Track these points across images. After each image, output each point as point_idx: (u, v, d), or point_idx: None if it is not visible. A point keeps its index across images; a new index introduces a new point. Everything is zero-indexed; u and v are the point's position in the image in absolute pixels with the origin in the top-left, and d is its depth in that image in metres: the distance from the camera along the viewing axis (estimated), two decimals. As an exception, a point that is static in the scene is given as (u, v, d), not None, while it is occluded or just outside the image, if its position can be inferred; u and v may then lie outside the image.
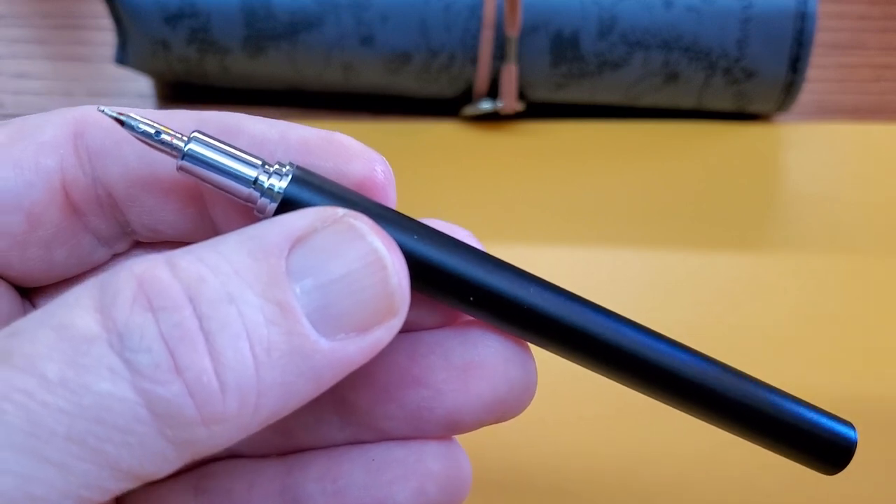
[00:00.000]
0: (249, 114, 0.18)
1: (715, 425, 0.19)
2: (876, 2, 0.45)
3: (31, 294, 0.19)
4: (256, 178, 0.16)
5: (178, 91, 0.40)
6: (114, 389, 0.13)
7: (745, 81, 0.37)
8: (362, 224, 0.15)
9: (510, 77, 0.37)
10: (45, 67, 0.42)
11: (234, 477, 0.19)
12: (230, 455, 0.20)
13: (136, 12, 0.36)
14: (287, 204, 0.16)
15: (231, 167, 0.16)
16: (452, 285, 0.17)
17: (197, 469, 0.19)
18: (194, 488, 0.19)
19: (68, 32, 0.43)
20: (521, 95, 0.38)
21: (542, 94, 0.38)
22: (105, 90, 0.41)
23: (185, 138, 0.16)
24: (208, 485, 0.19)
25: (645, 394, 0.18)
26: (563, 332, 0.17)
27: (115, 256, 0.19)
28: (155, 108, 0.17)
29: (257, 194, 0.16)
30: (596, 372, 0.18)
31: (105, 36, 0.43)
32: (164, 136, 0.16)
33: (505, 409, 0.18)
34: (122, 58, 0.38)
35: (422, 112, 0.39)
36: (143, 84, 0.41)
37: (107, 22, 0.42)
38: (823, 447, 0.19)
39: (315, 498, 0.18)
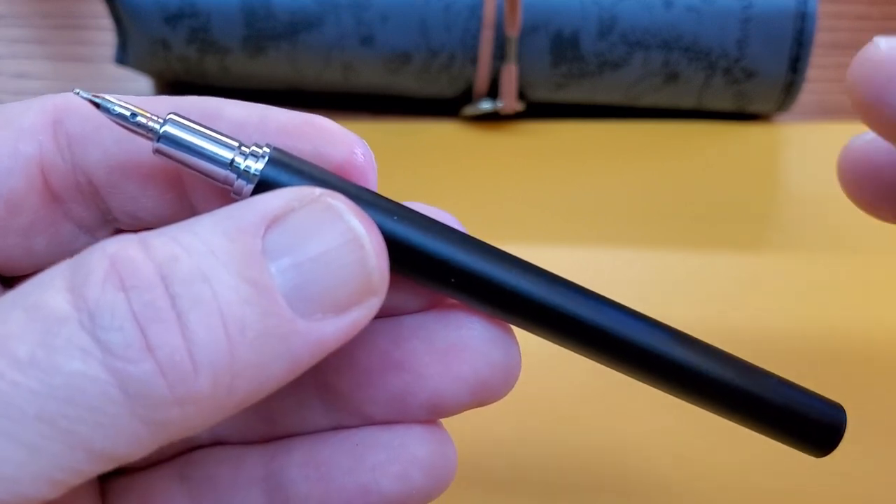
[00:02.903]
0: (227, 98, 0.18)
1: (701, 406, 0.18)
2: (876, 2, 0.45)
3: (12, 283, 0.19)
4: (233, 160, 0.16)
5: (177, 91, 0.40)
6: (85, 369, 0.13)
7: (745, 81, 0.37)
8: (340, 203, 0.15)
9: (510, 77, 0.37)
10: (45, 67, 0.42)
11: (218, 463, 0.19)
12: (214, 442, 0.20)
13: (136, 12, 0.36)
14: (264, 186, 0.16)
15: (207, 149, 0.16)
16: (433, 267, 0.17)
17: (181, 456, 0.19)
18: (179, 475, 0.19)
19: (68, 32, 0.43)
20: (521, 95, 0.38)
21: (542, 94, 0.38)
22: (105, 90, 0.40)
23: (160, 120, 0.16)
24: (193, 472, 0.19)
25: (631, 376, 0.18)
26: (545, 313, 0.17)
27: None
28: (133, 96, 0.17)
29: (234, 176, 0.16)
30: (580, 353, 0.18)
31: (105, 36, 0.43)
32: (139, 119, 0.16)
33: (488, 391, 0.18)
34: (122, 58, 0.38)
35: (422, 112, 0.40)
36: (143, 84, 0.41)
37: (107, 22, 0.42)
38: (812, 429, 0.19)
39: (299, 483, 0.18)
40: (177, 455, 0.19)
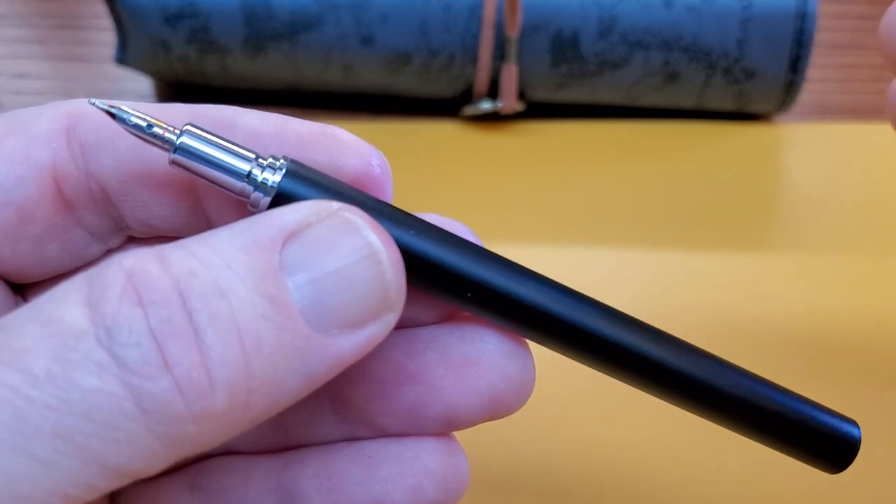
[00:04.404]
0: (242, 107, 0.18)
1: (717, 423, 0.18)
2: (876, 2, 0.45)
3: (23, 290, 0.19)
4: (250, 172, 0.16)
5: (178, 91, 0.40)
6: (101, 385, 0.13)
7: (745, 81, 0.37)
8: (357, 218, 0.15)
9: (510, 77, 0.37)
10: (45, 67, 0.42)
11: (229, 473, 0.19)
12: (226, 451, 0.19)
13: (136, 12, 0.36)
14: (281, 198, 0.16)
15: (224, 161, 0.16)
16: (450, 281, 0.17)
17: (192, 465, 0.19)
18: (189, 485, 0.19)
19: (68, 32, 0.43)
20: (521, 95, 0.38)
21: (542, 94, 0.38)
22: (105, 90, 0.41)
23: (177, 131, 0.16)
24: (204, 481, 0.19)
25: (646, 391, 0.18)
26: (562, 328, 0.17)
27: (109, 252, 0.19)
28: (147, 103, 0.17)
29: (251, 188, 0.16)
30: (596, 369, 0.18)
31: (105, 36, 0.43)
32: (156, 130, 0.16)
33: (503, 405, 0.18)
34: (122, 58, 0.38)
35: (422, 112, 0.39)
36: (143, 84, 0.41)
37: (107, 22, 0.42)
38: (827, 445, 0.19)
39: (311, 495, 0.18)
40: (187, 464, 0.19)
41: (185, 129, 0.16)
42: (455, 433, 0.19)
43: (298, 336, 0.14)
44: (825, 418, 0.19)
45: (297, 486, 0.18)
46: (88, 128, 0.17)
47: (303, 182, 0.16)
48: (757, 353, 0.31)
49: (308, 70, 0.38)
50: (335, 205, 0.15)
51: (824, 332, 0.31)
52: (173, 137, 0.16)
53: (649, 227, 0.35)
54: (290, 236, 0.14)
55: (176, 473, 0.19)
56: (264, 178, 0.16)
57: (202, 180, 0.16)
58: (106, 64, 0.41)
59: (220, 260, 0.14)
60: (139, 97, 0.41)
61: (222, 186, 0.16)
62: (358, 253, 0.15)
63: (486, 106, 0.38)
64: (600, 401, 0.29)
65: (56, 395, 0.13)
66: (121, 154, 0.17)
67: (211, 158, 0.16)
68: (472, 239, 0.18)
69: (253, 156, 0.16)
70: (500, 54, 0.37)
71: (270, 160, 0.16)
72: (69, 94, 0.40)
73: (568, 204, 0.36)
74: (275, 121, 0.18)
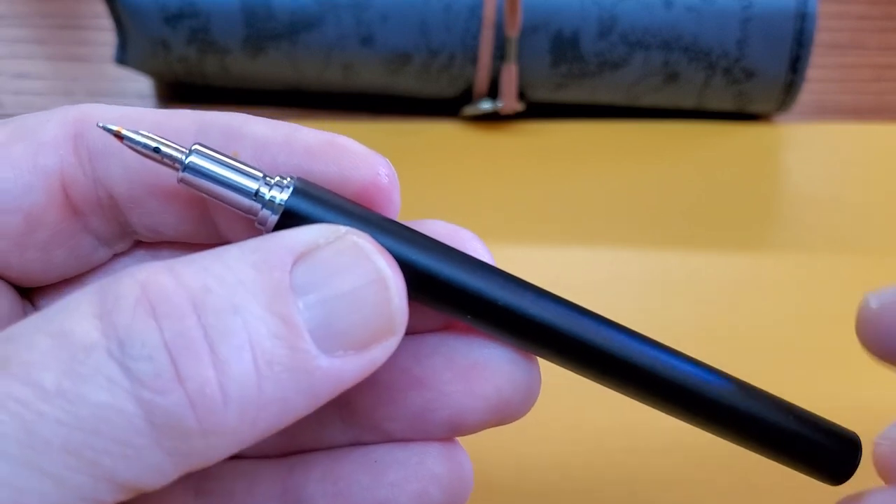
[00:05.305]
0: (249, 114, 0.18)
1: (718, 436, 0.19)
2: (876, 2, 0.45)
3: (31, 294, 0.19)
4: (257, 191, 0.16)
5: (178, 91, 0.40)
6: (112, 400, 0.13)
7: (745, 81, 0.37)
8: (366, 243, 0.15)
9: (510, 77, 0.37)
10: (45, 67, 0.42)
11: (235, 477, 0.19)
12: (231, 455, 0.20)
13: (136, 12, 0.36)
14: (288, 216, 0.16)
15: (232, 179, 0.16)
16: (452, 300, 0.17)
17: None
18: (195, 489, 0.19)
19: (68, 32, 0.43)
20: (521, 95, 0.38)
21: (542, 94, 0.38)
22: (105, 90, 0.41)
23: (185, 151, 0.16)
24: (209, 486, 0.19)
25: (650, 405, 0.18)
26: (566, 345, 0.17)
27: (116, 256, 0.19)
28: (155, 109, 0.17)
29: (258, 206, 0.16)
30: (601, 384, 0.18)
31: (105, 36, 0.43)
32: (163, 150, 0.16)
33: (508, 410, 0.18)
34: (122, 58, 0.38)
35: (422, 112, 0.39)
36: (143, 84, 0.41)
37: (107, 22, 0.42)
38: (827, 458, 0.19)
39: (316, 499, 0.18)
40: None
41: (193, 148, 0.16)
42: (459, 438, 0.19)
43: (307, 356, 0.14)
44: (825, 431, 0.19)
45: (303, 490, 0.18)
46: (96, 134, 0.17)
47: (310, 200, 0.16)
48: (756, 354, 0.31)
49: (308, 70, 0.38)
50: (343, 228, 0.15)
51: (824, 332, 0.31)
52: (182, 157, 0.16)
53: (649, 227, 0.35)
54: (300, 257, 0.15)
55: (181, 478, 0.19)
56: (272, 196, 0.16)
57: (211, 198, 0.17)
58: (106, 64, 0.41)
59: (233, 277, 0.14)
60: (139, 97, 0.41)
61: (230, 204, 0.17)
62: (367, 277, 0.15)
63: (486, 106, 0.38)
64: (605, 408, 0.29)
65: (66, 409, 0.13)
66: (129, 162, 0.17)
67: (219, 177, 0.16)
68: (479, 246, 0.18)
69: (260, 174, 0.16)
70: (500, 54, 0.37)
71: (278, 178, 0.17)
72: (69, 94, 0.40)
73: (568, 204, 0.36)
74: (283, 129, 0.18)
